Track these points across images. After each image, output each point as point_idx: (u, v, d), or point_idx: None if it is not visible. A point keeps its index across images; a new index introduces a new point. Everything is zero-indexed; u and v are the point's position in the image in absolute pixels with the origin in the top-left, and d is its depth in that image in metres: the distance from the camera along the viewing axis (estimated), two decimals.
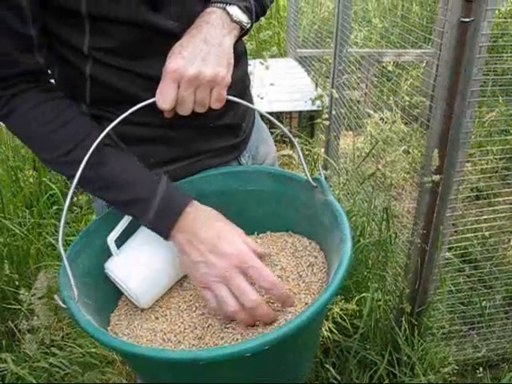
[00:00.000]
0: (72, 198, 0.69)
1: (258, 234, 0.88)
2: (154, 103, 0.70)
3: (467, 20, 1.28)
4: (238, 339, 0.69)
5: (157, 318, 0.76)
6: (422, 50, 3.34)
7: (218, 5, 0.74)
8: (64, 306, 0.65)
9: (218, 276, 0.67)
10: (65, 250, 0.67)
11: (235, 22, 0.74)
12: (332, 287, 0.60)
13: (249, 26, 0.77)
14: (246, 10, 0.76)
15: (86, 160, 0.68)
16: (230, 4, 0.74)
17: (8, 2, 0.67)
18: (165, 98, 0.69)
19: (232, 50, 0.73)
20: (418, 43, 3.18)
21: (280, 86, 3.17)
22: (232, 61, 0.72)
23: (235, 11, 0.74)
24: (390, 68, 3.11)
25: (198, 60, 0.69)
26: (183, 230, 0.71)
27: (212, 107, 0.72)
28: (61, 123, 0.73)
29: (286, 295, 0.68)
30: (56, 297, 0.66)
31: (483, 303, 1.84)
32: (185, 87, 0.68)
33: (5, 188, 1.82)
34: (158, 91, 0.69)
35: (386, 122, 2.07)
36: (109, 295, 0.80)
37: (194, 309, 0.77)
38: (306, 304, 0.71)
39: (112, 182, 0.73)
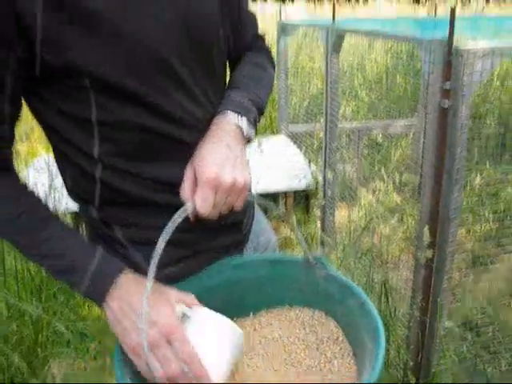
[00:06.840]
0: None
1: (253, 314, 0.91)
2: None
3: (446, 106, 1.39)
4: None
5: None
6: (408, 122, 3.48)
7: (229, 113, 0.80)
8: None
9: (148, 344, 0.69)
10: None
11: (245, 136, 0.81)
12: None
13: (253, 137, 0.84)
14: (254, 123, 0.83)
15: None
16: (241, 115, 0.81)
17: None
18: (207, 205, 0.72)
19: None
20: (404, 115, 3.32)
21: (274, 165, 3.22)
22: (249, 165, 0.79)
23: (245, 125, 0.80)
24: (379, 140, 3.23)
25: (229, 167, 0.73)
26: (117, 297, 0.73)
27: (235, 209, 0.77)
28: None
29: (199, 372, 0.70)
30: None
31: (488, 369, 1.84)
32: (221, 194, 0.73)
33: (17, 278, 1.86)
34: (198, 198, 0.72)
35: (378, 192, 2.15)
36: None
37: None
38: (331, 378, 0.74)
39: (49, 251, 0.75)
